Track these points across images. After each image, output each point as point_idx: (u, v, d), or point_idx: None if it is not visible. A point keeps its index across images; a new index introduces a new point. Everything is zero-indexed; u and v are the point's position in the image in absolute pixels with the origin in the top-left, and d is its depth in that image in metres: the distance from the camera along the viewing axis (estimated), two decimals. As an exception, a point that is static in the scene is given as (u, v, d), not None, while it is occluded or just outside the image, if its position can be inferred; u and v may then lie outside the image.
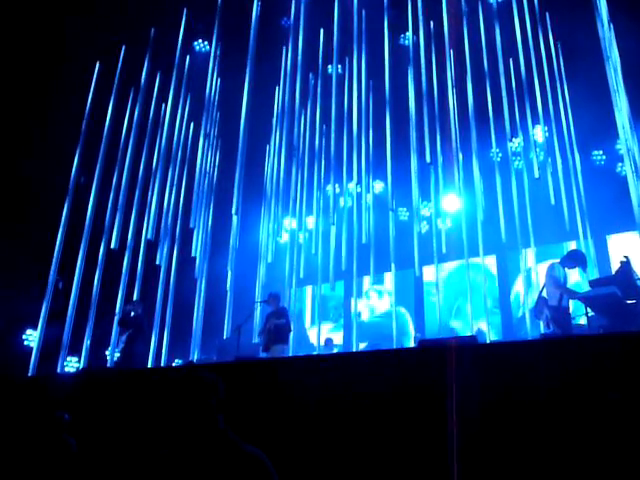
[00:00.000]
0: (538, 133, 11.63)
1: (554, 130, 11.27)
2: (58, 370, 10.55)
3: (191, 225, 12.22)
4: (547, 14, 11.42)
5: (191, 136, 13.26)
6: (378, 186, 14.18)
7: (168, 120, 12.69)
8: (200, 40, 13.89)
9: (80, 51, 11.44)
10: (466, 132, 11.38)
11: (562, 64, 11.52)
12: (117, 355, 9.75)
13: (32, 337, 11.11)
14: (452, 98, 11.29)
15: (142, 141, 12.53)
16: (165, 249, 12.06)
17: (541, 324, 6.94)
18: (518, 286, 12.75)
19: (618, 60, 8.47)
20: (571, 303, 6.81)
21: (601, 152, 12.32)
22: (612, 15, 8.93)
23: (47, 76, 11.28)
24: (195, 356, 11.86)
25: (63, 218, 11.35)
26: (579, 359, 3.43)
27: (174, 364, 12.34)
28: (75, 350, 11.07)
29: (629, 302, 6.08)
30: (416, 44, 11.31)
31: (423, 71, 11.01)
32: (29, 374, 10.20)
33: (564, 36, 11.46)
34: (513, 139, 11.52)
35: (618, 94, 8.16)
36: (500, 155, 12.21)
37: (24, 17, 10.85)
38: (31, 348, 10.77)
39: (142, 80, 12.65)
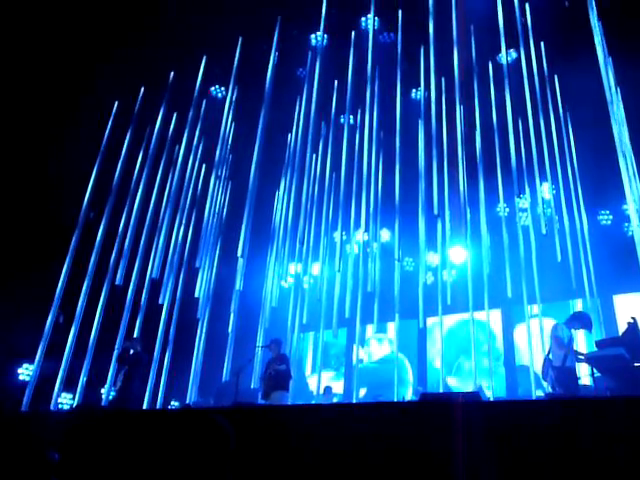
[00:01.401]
0: (545, 191, 11.73)
1: (561, 188, 11.38)
2: (52, 406, 10.36)
3: (197, 265, 12.23)
4: (555, 76, 11.73)
5: (202, 177, 13.46)
6: (385, 235, 14.23)
7: (181, 161, 12.91)
8: (217, 85, 14.29)
9: (100, 90, 11.78)
10: (474, 186, 11.50)
11: (569, 124, 11.75)
12: (113, 394, 9.58)
13: (28, 371, 10.96)
14: (461, 153, 11.47)
15: (154, 180, 12.72)
16: (169, 288, 12.03)
17: (547, 385, 6.81)
18: (522, 342, 12.58)
19: (624, 122, 8.64)
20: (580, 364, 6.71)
21: (608, 212, 12.39)
22: (618, 78, 9.18)
23: (65, 112, 11.57)
24: (192, 399, 11.64)
25: (70, 252, 11.40)
26: (584, 421, 3.35)
27: (170, 406, 12.10)
28: (70, 386, 10.90)
29: (637, 365, 5.97)
30: (427, 99, 11.58)
31: (433, 125, 11.22)
32: (22, 409, 10.01)
33: (572, 97, 11.73)
34: (520, 195, 11.62)
35: (624, 155, 8.27)
36: (507, 210, 12.28)
37: (47, 53, 11.23)
38: (26, 382, 10.62)
39: (158, 121, 12.96)
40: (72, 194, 11.87)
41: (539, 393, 10.14)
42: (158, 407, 11.28)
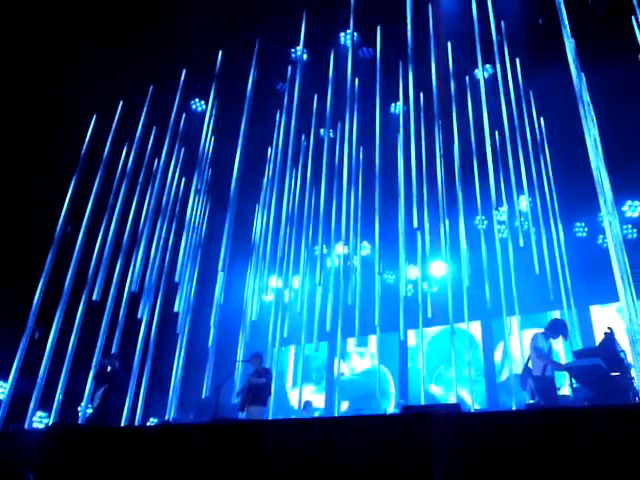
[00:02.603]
0: (522, 203, 11.91)
1: (538, 201, 11.57)
2: (26, 425, 10.11)
3: (176, 279, 12.12)
4: (530, 92, 11.98)
5: (182, 191, 13.39)
6: (365, 248, 14.29)
7: (160, 174, 12.84)
8: (197, 99, 14.29)
9: (78, 104, 11.68)
10: (452, 199, 11.63)
11: (545, 138, 12.00)
12: (90, 411, 9.40)
13: (2, 389, 10.70)
14: (439, 166, 11.61)
15: (133, 193, 12.61)
16: (148, 302, 11.88)
17: (527, 395, 6.85)
18: (502, 353, 12.69)
19: (597, 136, 8.84)
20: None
21: (583, 224, 12.62)
22: (591, 94, 9.41)
23: (43, 125, 11.46)
24: (171, 415, 11.46)
25: (46, 267, 11.21)
26: (564, 431, 3.37)
27: (149, 423, 11.90)
28: (46, 404, 10.65)
29: (613, 374, 6.06)
30: (406, 113, 11.71)
31: (412, 139, 11.36)
32: (-5, 428, 9.75)
33: (546, 112, 11.99)
34: (498, 208, 11.79)
35: (599, 169, 8.45)
36: (485, 222, 12.44)
37: (24, 68, 11.13)
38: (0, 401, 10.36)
39: (137, 134, 12.89)
40: (49, 208, 11.71)
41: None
42: (137, 424, 11.09)
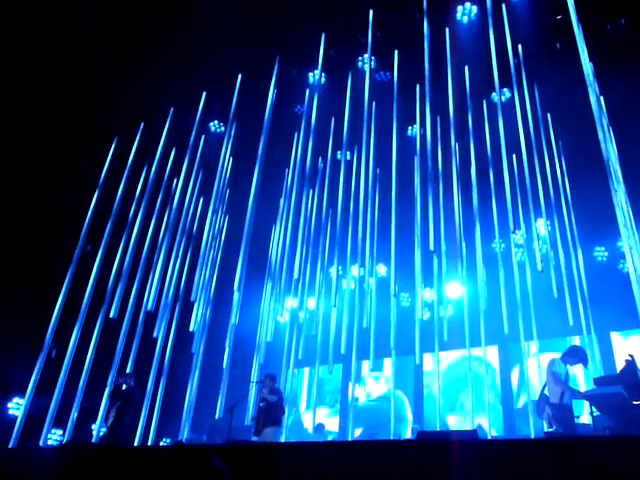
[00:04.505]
0: (541, 227, 11.79)
1: (556, 224, 11.45)
2: (41, 442, 10.13)
3: (192, 298, 12.17)
4: (549, 115, 11.95)
5: (200, 211, 13.52)
6: (381, 270, 14.21)
7: (179, 194, 12.99)
8: (216, 121, 14.50)
9: (100, 124, 11.94)
10: (470, 222, 11.56)
11: (564, 161, 11.92)
12: (103, 430, 9.39)
13: (18, 406, 10.76)
14: (456, 188, 11.58)
15: (151, 213, 12.77)
16: (164, 321, 11.92)
17: (544, 423, 6.69)
18: (520, 379, 12.46)
19: (617, 159, 8.77)
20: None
21: (603, 248, 12.45)
22: (610, 116, 9.38)
23: (65, 145, 11.71)
24: (184, 435, 11.40)
25: (65, 284, 11.33)
26: (584, 462, 3.29)
27: (162, 443, 11.86)
28: (61, 422, 10.68)
29: (635, 403, 5.91)
30: (423, 136, 11.74)
31: (429, 162, 11.35)
32: (9, 446, 9.78)
33: (565, 135, 11.94)
34: (516, 231, 11.68)
35: (618, 193, 8.37)
36: (503, 246, 12.32)
37: (47, 88, 11.40)
38: (15, 417, 10.41)
39: (157, 155, 13.10)
40: (69, 227, 11.89)
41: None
42: (150, 444, 11.05)
